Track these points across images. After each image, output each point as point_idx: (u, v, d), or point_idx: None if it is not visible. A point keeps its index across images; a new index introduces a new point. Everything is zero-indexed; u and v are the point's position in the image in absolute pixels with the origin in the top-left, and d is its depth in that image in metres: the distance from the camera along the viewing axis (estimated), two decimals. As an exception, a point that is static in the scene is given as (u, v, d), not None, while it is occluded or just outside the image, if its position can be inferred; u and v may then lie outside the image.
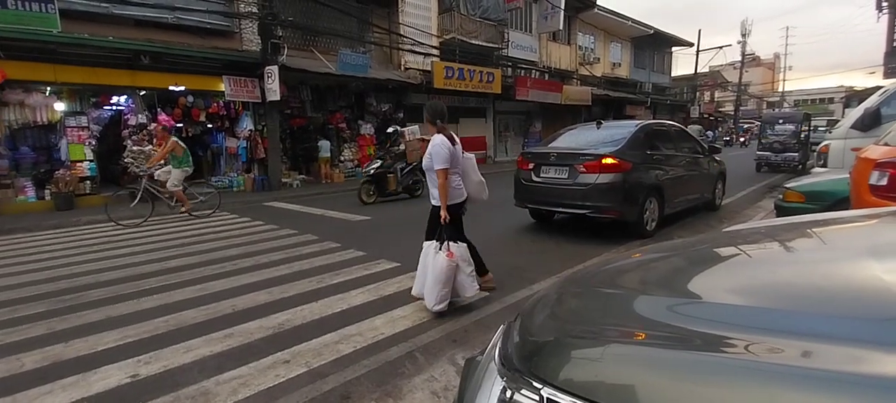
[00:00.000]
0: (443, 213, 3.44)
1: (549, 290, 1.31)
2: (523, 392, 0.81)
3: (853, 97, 20.66)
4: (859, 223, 1.54)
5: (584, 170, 5.50)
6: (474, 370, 1.12)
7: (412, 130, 10.91)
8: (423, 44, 15.10)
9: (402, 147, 10.06)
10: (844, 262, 1.10)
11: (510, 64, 19.92)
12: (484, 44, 17.58)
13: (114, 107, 10.87)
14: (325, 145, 13.69)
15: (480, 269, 3.82)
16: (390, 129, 10.90)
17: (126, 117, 10.48)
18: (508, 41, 18.97)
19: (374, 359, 2.75)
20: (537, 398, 0.78)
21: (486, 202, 4.11)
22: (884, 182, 2.47)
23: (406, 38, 14.86)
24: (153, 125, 10.55)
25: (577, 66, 24.31)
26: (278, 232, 6.64)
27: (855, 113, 6.16)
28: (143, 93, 10.60)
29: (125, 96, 10.58)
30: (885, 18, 17.39)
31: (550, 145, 6.45)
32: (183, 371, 2.68)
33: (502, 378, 0.90)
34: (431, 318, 3.35)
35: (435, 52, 16.03)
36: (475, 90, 16.92)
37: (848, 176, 3.64)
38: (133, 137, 10.29)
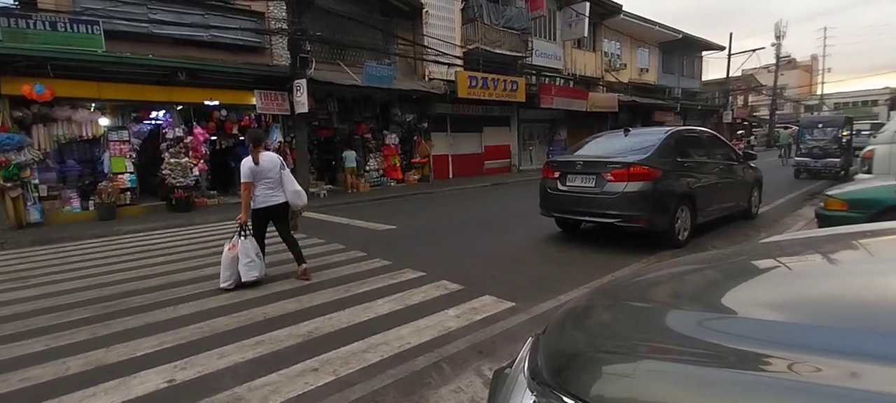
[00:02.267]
0: (242, 216, 4.65)
1: (578, 302, 1.30)
2: (553, 406, 0.81)
3: (900, 99, 19.61)
4: (909, 234, 1.46)
5: (611, 178, 5.40)
6: (503, 382, 1.11)
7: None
8: (446, 54, 15.24)
9: None
10: (893, 276, 1.05)
11: (534, 72, 19.85)
12: (507, 53, 17.59)
13: (153, 122, 11.41)
14: (350, 155, 13.93)
15: (299, 260, 4.83)
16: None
17: (164, 131, 10.97)
18: (532, 49, 18.93)
19: (400, 368, 2.76)
20: (568, 413, 0.77)
21: (513, 210, 4.11)
22: (936, 189, 2.34)
23: (430, 48, 15.03)
24: (189, 138, 11.01)
25: (603, 72, 23.98)
26: (306, 242, 6.78)
27: (902, 116, 5.85)
28: (179, 107, 11.09)
29: (163, 111, 11.08)
30: (933, 16, 16.50)
31: (577, 153, 6.37)
32: (216, 377, 2.76)
33: (532, 392, 0.89)
34: (457, 328, 3.34)
35: (458, 62, 16.15)
36: (499, 99, 16.93)
37: (894, 183, 3.45)
38: (170, 150, 10.76)
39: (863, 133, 17.60)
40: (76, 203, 9.92)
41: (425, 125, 16.29)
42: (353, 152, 14.09)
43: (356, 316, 3.66)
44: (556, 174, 6.04)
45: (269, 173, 4.66)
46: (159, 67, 10.19)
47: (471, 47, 16.67)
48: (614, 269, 4.71)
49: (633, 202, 5.24)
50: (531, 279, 4.51)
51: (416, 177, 15.93)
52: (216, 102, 11.35)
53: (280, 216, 4.83)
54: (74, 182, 10.22)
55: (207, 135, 11.48)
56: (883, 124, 11.39)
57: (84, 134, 9.77)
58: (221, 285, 4.44)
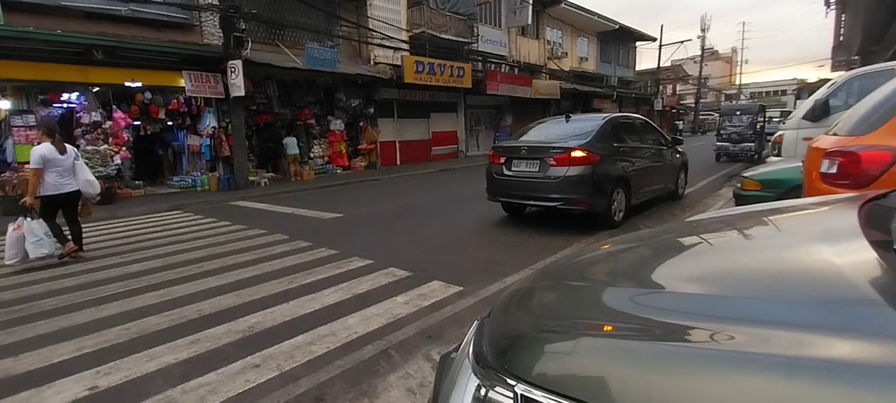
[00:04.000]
0: (27, 199, 4.92)
1: (521, 285, 1.32)
2: (498, 389, 0.81)
3: (804, 89, 21.79)
4: (812, 210, 1.62)
5: (554, 162, 5.58)
6: (449, 367, 1.11)
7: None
8: (392, 38, 14.95)
9: None
10: (798, 248, 1.15)
11: (480, 58, 19.99)
12: (454, 38, 17.56)
13: (65, 105, 10.28)
14: (291, 142, 13.38)
15: (62, 241, 5.15)
16: None
17: (78, 115, 9.92)
18: (478, 35, 19.03)
19: (348, 359, 2.72)
20: (511, 395, 0.78)
21: (460, 195, 4.14)
22: (833, 170, 2.61)
23: (375, 32, 14.66)
24: (109, 123, 10.05)
25: (546, 60, 24.63)
26: (246, 233, 6.46)
27: (806, 104, 6.49)
28: (96, 89, 10.07)
29: (77, 93, 10.00)
30: (833, 14, 18.40)
31: (521, 139, 6.51)
32: (146, 380, 2.57)
33: (476, 375, 0.90)
34: (405, 315, 3.34)
35: (405, 46, 15.90)
36: (446, 85, 16.91)
37: (800, 164, 3.82)
38: (87, 136, 9.77)
39: (773, 120, 19.41)
40: (-27, 196, 8.78)
41: (371, 111, 15.96)
42: (295, 139, 13.55)
43: (301, 307, 3.55)
44: (502, 159, 6.15)
45: (62, 162, 5.04)
46: (70, 44, 9.16)
47: (417, 31, 16.46)
48: (557, 250, 4.89)
49: (574, 185, 5.46)
50: (479, 263, 4.58)
51: (362, 163, 15.62)
52: (139, 84, 10.42)
53: (70, 203, 5.26)
54: (-31, 173, 9.05)
55: (130, 120, 10.54)
56: (790, 112, 12.63)
57: (-21, 118, 8.64)
58: (7, 262, 4.81)
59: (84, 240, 5.51)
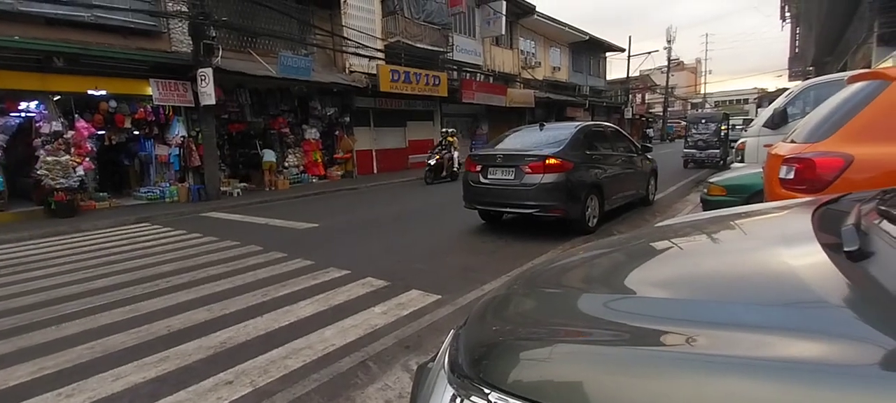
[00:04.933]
0: None
1: (497, 292, 1.33)
2: (473, 398, 0.82)
3: (764, 98, 22.85)
4: (772, 214, 1.70)
5: (529, 170, 5.66)
6: (426, 377, 1.11)
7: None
8: (367, 47, 14.90)
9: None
10: (759, 252, 1.21)
11: (455, 67, 20.15)
12: (429, 47, 17.65)
13: (22, 114, 9.82)
14: (268, 152, 13.15)
15: None
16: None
17: (38, 125, 9.48)
18: (453, 45, 19.19)
19: (324, 372, 2.67)
20: (487, 403, 0.79)
21: (437, 203, 4.14)
22: (791, 176, 2.75)
23: (350, 40, 14.60)
24: (71, 133, 9.65)
25: (520, 69, 25.03)
26: (218, 245, 6.29)
27: (766, 112, 6.80)
28: (57, 97, 9.65)
29: (36, 102, 9.57)
30: (788, 27, 19.39)
31: (497, 147, 6.58)
32: (112, 401, 2.46)
33: (452, 385, 0.90)
34: (383, 325, 3.31)
35: (380, 55, 15.89)
36: (422, 93, 16.96)
37: (762, 170, 4.00)
38: (47, 147, 9.34)
39: (737, 127, 20.22)
40: (-80, 211, 8.27)
41: (347, 119, 15.84)
42: (271, 150, 13.34)
43: (275, 320, 3.47)
44: (479, 167, 6.20)
45: None
46: (29, 50, 8.77)
47: (392, 41, 16.48)
48: (533, 257, 4.95)
49: (549, 192, 5.55)
50: (457, 271, 4.59)
51: (339, 172, 15.45)
52: (103, 92, 10.06)
53: None
54: (-84, 186, 8.52)
55: (93, 130, 10.14)
56: (752, 120, 13.20)
57: (-73, 128, 8.15)
58: None
59: (43, 255, 5.25)
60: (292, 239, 6.60)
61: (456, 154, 14.24)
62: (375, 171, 17.30)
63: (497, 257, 5.10)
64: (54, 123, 9.46)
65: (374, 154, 17.42)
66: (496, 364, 0.86)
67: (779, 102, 6.51)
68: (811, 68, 17.07)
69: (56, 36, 9.37)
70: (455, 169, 13.94)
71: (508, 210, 6.13)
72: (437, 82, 17.27)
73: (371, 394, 2.43)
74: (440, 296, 3.84)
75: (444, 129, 15.42)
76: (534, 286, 1.29)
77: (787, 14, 18.44)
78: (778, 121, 5.99)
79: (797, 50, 19.04)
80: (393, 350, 2.92)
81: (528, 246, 5.44)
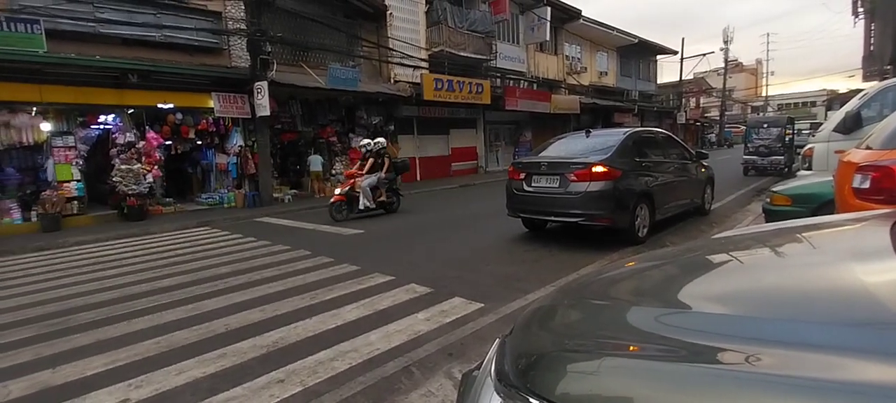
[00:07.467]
0: None
1: (543, 302, 1.32)
2: (520, 408, 0.82)
3: (835, 100, 21.13)
4: (846, 227, 1.57)
5: (574, 178, 5.54)
6: (471, 385, 1.12)
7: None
8: (412, 57, 15.22)
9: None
10: (829, 267, 1.13)
11: (499, 74, 20.13)
12: (472, 55, 17.77)
13: (101, 127, 10.79)
14: (316, 159, 13.67)
15: None
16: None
17: (114, 136, 10.40)
18: (496, 52, 19.20)
19: (370, 375, 2.73)
20: (534, 413, 0.78)
21: (480, 212, 4.15)
22: (866, 185, 2.53)
23: (395, 51, 14.97)
24: (142, 143, 10.49)
25: (565, 75, 24.61)
26: (271, 248, 6.59)
27: (837, 116, 6.28)
28: (130, 111, 10.54)
29: (113, 115, 10.51)
30: (861, 23, 17.90)
31: (541, 154, 6.50)
32: (175, 393, 2.64)
33: (499, 394, 0.90)
34: (427, 332, 3.34)
35: (424, 64, 16.17)
36: (465, 101, 17.07)
37: (832, 178, 3.71)
38: (121, 156, 10.21)
39: (803, 132, 18.84)
40: (17, 214, 9.25)
41: (392, 128, 16.19)
42: (319, 156, 13.85)
43: (323, 323, 3.59)
44: (522, 175, 6.14)
45: None
46: (107, 69, 9.64)
47: (436, 50, 16.73)
48: (579, 267, 4.83)
49: (596, 201, 5.40)
50: (499, 279, 4.56)
51: (383, 180, 15.77)
52: (171, 105, 10.87)
53: None
54: (14, 191, 9.53)
55: (162, 140, 10.98)
56: (821, 123, 12.24)
57: (24, 139, 9.13)
58: None
59: (117, 255, 5.71)
60: (338, 243, 6.81)
61: (387, 175, 9.48)
62: (418, 179, 17.54)
63: (541, 266, 5.02)
64: (128, 134, 10.34)
65: (417, 161, 17.68)
66: (544, 375, 0.86)
67: (852, 104, 6.00)
68: (888, 67, 15.63)
69: (130, 54, 10.26)
70: (394, 191, 9.74)
71: (553, 219, 6.01)
72: (480, 90, 17.32)
73: (414, 400, 2.46)
74: (483, 305, 3.83)
75: (366, 141, 10.09)
76: (581, 296, 1.27)
77: (860, 9, 17.02)
78: (851, 126, 5.51)
79: (872, 48, 17.50)
80: (436, 357, 2.94)
81: (573, 256, 5.32)
